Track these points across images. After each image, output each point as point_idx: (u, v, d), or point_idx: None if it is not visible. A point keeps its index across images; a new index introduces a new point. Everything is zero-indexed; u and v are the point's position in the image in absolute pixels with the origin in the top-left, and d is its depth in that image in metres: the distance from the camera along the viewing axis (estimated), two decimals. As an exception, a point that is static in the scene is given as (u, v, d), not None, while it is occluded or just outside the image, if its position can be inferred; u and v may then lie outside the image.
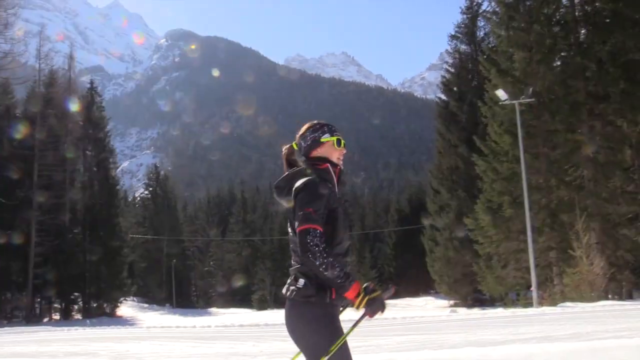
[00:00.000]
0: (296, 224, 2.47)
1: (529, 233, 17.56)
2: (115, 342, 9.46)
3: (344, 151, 2.77)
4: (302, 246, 2.41)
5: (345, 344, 2.50)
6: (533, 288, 17.07)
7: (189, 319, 34.77)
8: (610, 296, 19.67)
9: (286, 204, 2.66)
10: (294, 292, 2.55)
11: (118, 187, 44.38)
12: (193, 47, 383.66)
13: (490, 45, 27.14)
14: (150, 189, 62.43)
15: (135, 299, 51.97)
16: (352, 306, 2.47)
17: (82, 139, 39.36)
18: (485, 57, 23.45)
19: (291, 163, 2.80)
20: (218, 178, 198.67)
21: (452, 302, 32.46)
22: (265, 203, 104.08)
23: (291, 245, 2.63)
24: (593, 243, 19.18)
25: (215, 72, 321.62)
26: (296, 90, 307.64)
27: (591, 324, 8.43)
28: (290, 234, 2.63)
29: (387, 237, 60.77)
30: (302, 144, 2.76)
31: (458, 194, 30.40)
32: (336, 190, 2.64)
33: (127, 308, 44.43)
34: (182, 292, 60.09)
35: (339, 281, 2.40)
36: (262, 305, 48.80)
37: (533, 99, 19.34)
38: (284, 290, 2.65)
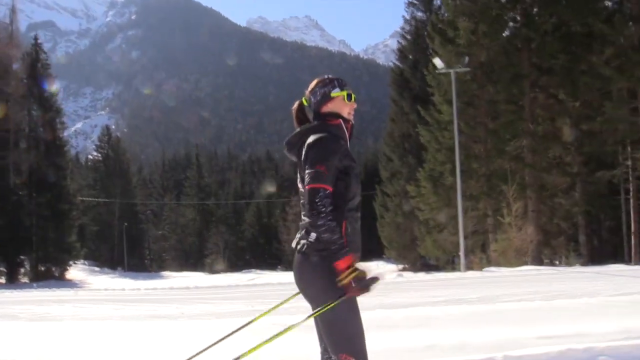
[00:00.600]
0: (306, 179, 2.44)
1: (459, 200, 18.06)
2: (37, 304, 9.35)
3: (355, 105, 2.73)
4: (309, 204, 2.40)
5: (355, 306, 2.50)
6: (461, 253, 17.66)
7: (139, 282, 34.55)
8: (545, 261, 20.56)
9: (296, 159, 2.64)
10: (306, 246, 2.51)
11: (66, 148, 43.01)
12: (151, 3, 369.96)
13: (440, 14, 27.18)
14: (102, 151, 60.83)
15: (86, 262, 51.17)
16: (337, 278, 2.42)
17: (26, 97, 37.76)
18: (432, 25, 23.50)
19: (301, 120, 2.75)
20: (176, 141, 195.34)
21: (401, 266, 33.26)
22: (222, 168, 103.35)
23: (302, 200, 2.56)
24: (529, 211, 19.87)
25: (174, 32, 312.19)
26: (257, 53, 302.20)
27: (502, 288, 8.82)
28: (301, 188, 2.60)
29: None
30: (312, 99, 2.70)
31: (409, 161, 30.80)
32: (348, 145, 2.62)
33: (77, 272, 43.74)
34: (135, 256, 59.53)
35: (333, 247, 2.38)
36: (215, 269, 48.89)
37: (469, 69, 19.58)
38: (293, 244, 2.62)
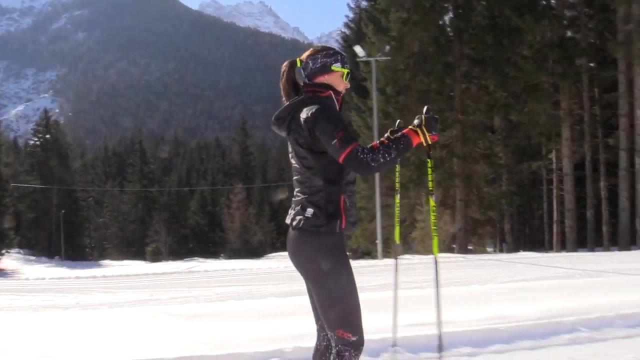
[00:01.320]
0: (335, 152, 2.34)
1: (377, 190, 18.31)
2: None
3: (348, 86, 2.64)
4: (359, 167, 2.31)
5: (352, 275, 2.46)
6: (378, 242, 17.95)
7: (76, 271, 33.51)
8: (471, 248, 21.14)
9: (286, 134, 2.55)
10: (302, 221, 2.45)
11: (-2, 131, 41.12)
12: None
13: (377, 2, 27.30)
14: (40, 135, 58.44)
15: (21, 251, 49.31)
16: (424, 145, 2.47)
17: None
18: (367, 13, 23.62)
19: (289, 80, 2.62)
20: (123, 126, 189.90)
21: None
22: (169, 154, 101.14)
23: (296, 177, 2.52)
24: (457, 200, 20.35)
25: (123, 13, 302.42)
26: (209, 38, 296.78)
27: (405, 275, 8.98)
28: (295, 164, 2.53)
29: (289, 190, 61.39)
30: (310, 64, 2.59)
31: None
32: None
33: (10, 261, 42.05)
34: (75, 244, 57.77)
35: (401, 145, 2.37)
36: (155, 257, 47.95)
37: (389, 57, 19.82)
38: (288, 220, 2.54)
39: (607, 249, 17.92)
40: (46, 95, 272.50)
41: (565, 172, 19.53)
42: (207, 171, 68.78)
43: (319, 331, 2.68)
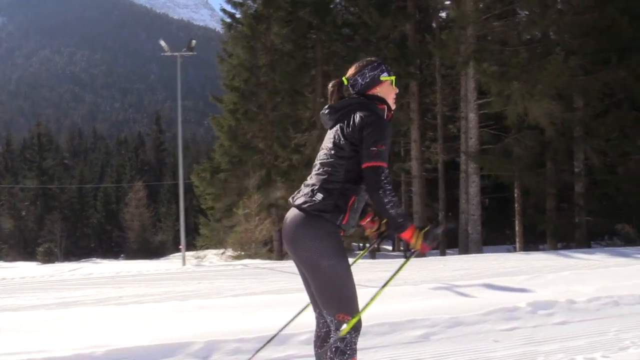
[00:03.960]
0: (367, 157, 2.45)
1: (180, 194, 17.81)
2: None
3: (397, 91, 2.78)
4: (374, 183, 2.43)
5: (348, 262, 2.55)
6: (181, 247, 17.45)
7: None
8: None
9: (331, 124, 2.67)
10: (308, 203, 2.51)
11: None
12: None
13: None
14: None
15: None
16: (409, 247, 2.55)
17: None
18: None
19: (337, 100, 2.72)
20: (45, 118, 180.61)
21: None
22: (86, 149, 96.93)
23: (322, 160, 2.59)
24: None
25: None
26: (140, 29, 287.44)
27: (165, 286, 8.32)
28: (328, 151, 2.60)
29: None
30: (360, 81, 2.70)
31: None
32: None
33: None
34: (-36, 244, 54.13)
35: (400, 220, 2.48)
36: (48, 258, 45.49)
37: (194, 53, 19.29)
38: (290, 199, 2.63)
39: (443, 254, 18.06)
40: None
41: (413, 174, 19.59)
42: (115, 167, 66.26)
43: (317, 319, 2.76)
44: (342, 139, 2.53)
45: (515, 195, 18.21)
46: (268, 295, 7.03)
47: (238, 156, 19.32)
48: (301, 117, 20.01)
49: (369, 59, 2.77)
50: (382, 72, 2.68)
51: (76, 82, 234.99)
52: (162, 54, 19.42)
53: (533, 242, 19.62)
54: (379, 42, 18.62)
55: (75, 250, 51.43)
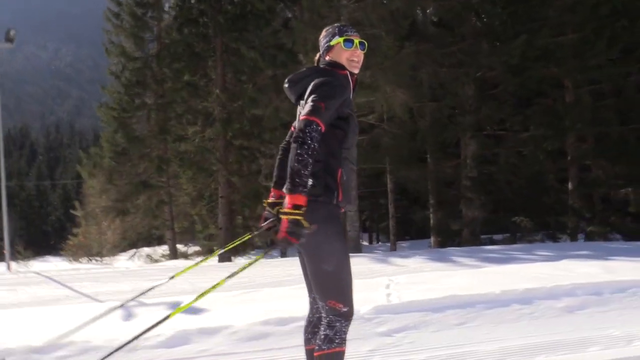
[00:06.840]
0: (303, 111, 2.37)
1: (3, 195, 17.09)
2: None
3: (357, 52, 2.60)
4: (297, 135, 2.29)
5: (346, 247, 2.52)
6: (5, 251, 16.68)
7: None
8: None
9: (295, 99, 2.63)
10: None
11: None
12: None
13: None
14: None
15: None
16: (276, 213, 2.54)
17: None
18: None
19: None
20: (29, 114, 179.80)
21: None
22: (60, 144, 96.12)
23: None
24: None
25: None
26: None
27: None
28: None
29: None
30: (320, 50, 2.68)
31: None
32: (351, 98, 2.54)
33: None
34: None
35: (297, 179, 2.25)
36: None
37: (12, 45, 18.53)
38: (284, 188, 2.47)
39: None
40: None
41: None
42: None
43: (311, 303, 2.72)
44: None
45: (388, 187, 17.43)
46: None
47: (122, 146, 18.63)
48: (195, 108, 19.21)
49: (330, 26, 2.69)
50: (333, 36, 2.60)
51: (61, 77, 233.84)
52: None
53: (451, 237, 18.74)
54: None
55: (37, 248, 50.82)
